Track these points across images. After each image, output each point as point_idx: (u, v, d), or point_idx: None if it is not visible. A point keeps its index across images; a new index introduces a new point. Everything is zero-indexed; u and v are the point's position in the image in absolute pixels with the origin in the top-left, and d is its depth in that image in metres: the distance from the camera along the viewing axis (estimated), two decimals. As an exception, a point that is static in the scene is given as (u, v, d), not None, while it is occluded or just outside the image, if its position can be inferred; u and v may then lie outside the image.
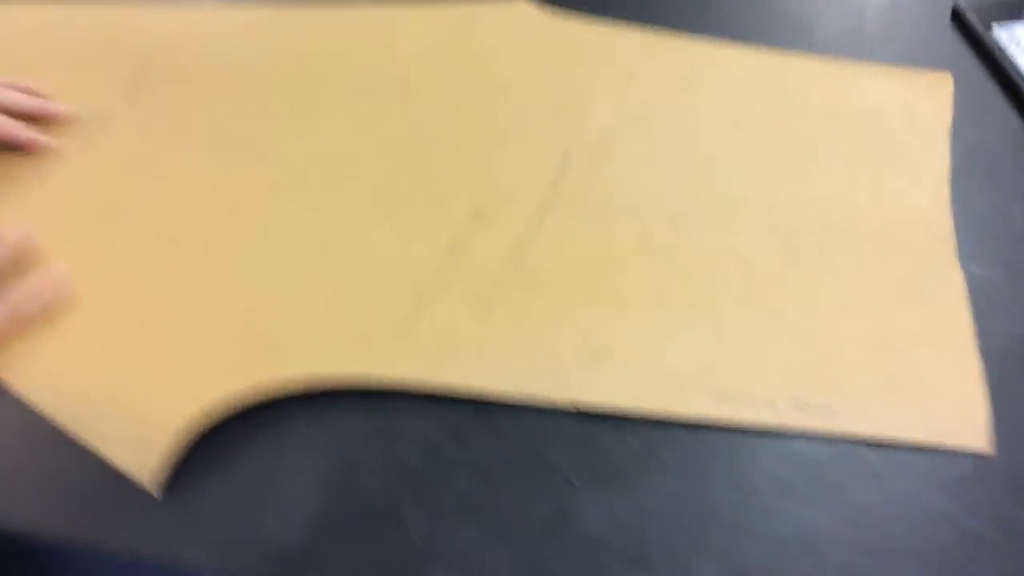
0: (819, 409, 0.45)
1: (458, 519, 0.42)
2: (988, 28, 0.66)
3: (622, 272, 0.51)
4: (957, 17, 0.69)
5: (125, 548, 0.41)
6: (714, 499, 0.42)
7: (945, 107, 0.60)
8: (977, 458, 0.43)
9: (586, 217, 0.54)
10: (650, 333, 0.48)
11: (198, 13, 0.73)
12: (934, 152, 0.57)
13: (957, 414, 0.44)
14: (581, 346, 0.47)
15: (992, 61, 0.64)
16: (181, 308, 0.51)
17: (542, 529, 0.42)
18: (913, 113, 0.60)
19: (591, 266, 0.51)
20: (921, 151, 0.57)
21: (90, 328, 0.50)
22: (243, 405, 0.46)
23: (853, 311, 0.49)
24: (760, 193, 0.55)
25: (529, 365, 0.47)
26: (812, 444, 0.44)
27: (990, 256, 0.52)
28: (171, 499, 0.43)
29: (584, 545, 0.41)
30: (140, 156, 0.60)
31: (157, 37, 0.70)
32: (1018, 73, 0.62)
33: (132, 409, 0.46)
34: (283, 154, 0.60)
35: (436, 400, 0.47)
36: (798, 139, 0.58)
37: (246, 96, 0.65)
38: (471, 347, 0.48)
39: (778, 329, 0.48)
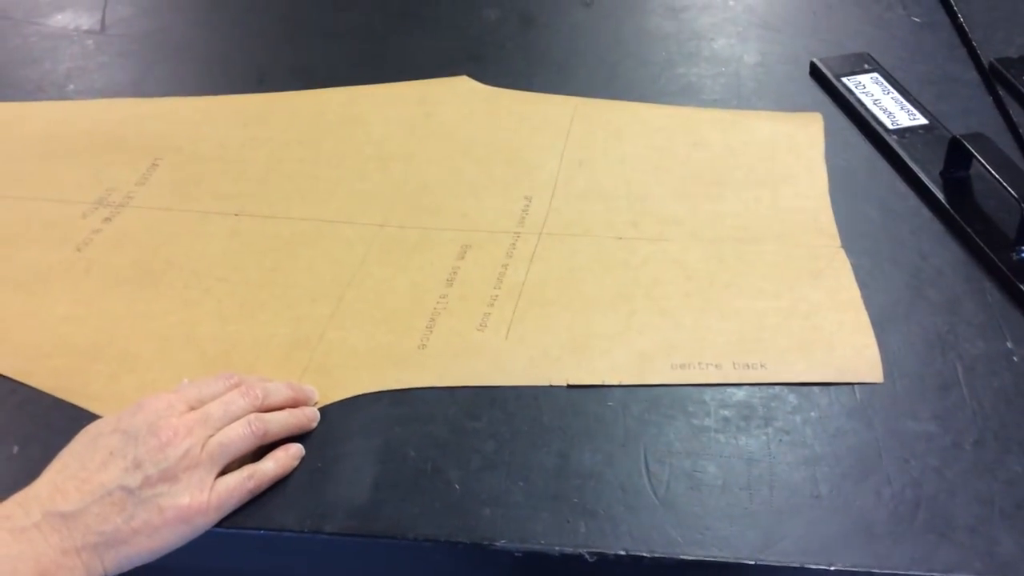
0: (753, 366, 0.59)
1: (485, 471, 0.54)
2: (839, 79, 0.84)
3: (588, 282, 0.65)
4: (815, 71, 0.86)
5: (228, 520, 0.52)
6: (678, 436, 0.56)
7: (818, 138, 0.77)
8: (869, 388, 0.58)
9: (551, 243, 0.68)
10: (620, 326, 0.61)
11: (194, 102, 0.85)
12: (814, 172, 0.73)
13: (854, 357, 0.59)
14: (566, 340, 0.61)
15: (845, 104, 0.81)
16: (233, 346, 0.62)
17: (548, 469, 0.54)
18: (795, 144, 0.76)
19: (562, 279, 0.65)
20: (804, 172, 0.73)
21: (168, 369, 0.60)
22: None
23: (769, 292, 0.63)
24: (686, 213, 0.70)
25: (527, 359, 0.60)
26: (746, 390, 0.58)
27: (860, 250, 0.67)
28: (257, 479, 0.54)
29: (583, 478, 0.54)
30: (162, 227, 0.72)
31: (160, 125, 0.82)
32: (866, 111, 0.79)
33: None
34: (286, 216, 0.72)
35: (451, 389, 0.59)
36: (708, 170, 0.74)
37: (245, 170, 0.77)
38: (478, 352, 0.60)
39: (716, 311, 0.62)
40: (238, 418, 0.53)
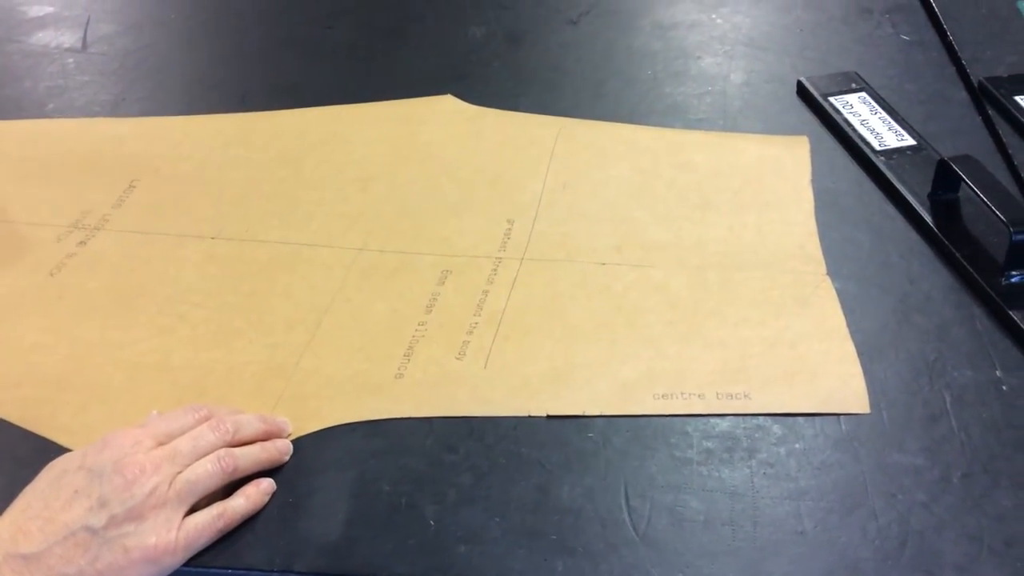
0: (736, 396, 0.57)
1: (461, 506, 0.53)
2: (826, 98, 0.82)
3: (570, 309, 0.63)
4: (802, 90, 0.85)
5: (194, 559, 0.50)
6: (660, 468, 0.54)
7: (805, 162, 0.76)
8: (855, 419, 0.56)
9: (533, 269, 0.66)
10: (601, 355, 0.60)
11: (174, 122, 0.84)
12: (800, 197, 0.72)
13: (840, 387, 0.58)
14: (546, 370, 0.59)
15: (832, 124, 0.80)
16: (208, 373, 0.60)
17: (527, 504, 0.53)
18: (781, 168, 0.75)
19: (543, 307, 0.64)
20: (791, 197, 0.72)
21: (138, 399, 0.59)
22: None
23: (753, 320, 0.62)
24: (670, 238, 0.68)
25: (506, 389, 0.58)
26: (729, 421, 0.57)
27: (846, 274, 0.66)
28: (227, 515, 0.52)
29: (562, 513, 0.52)
30: (138, 250, 0.70)
31: (138, 146, 0.81)
32: (854, 132, 0.78)
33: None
34: (265, 239, 0.71)
35: (428, 420, 0.58)
36: (694, 195, 0.72)
37: (224, 191, 0.76)
38: (457, 381, 0.59)
39: (700, 340, 0.61)
40: (207, 453, 0.52)
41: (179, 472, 0.50)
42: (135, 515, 0.48)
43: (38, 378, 0.60)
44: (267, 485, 0.53)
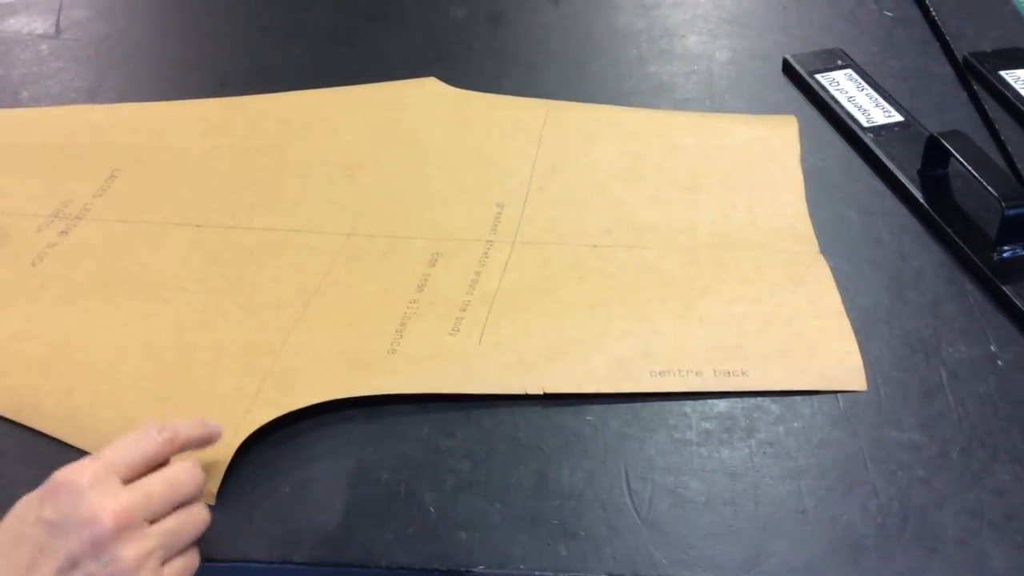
0: (734, 373, 0.57)
1: (461, 492, 0.52)
2: (812, 76, 0.82)
3: (563, 288, 0.63)
4: (788, 68, 0.85)
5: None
6: (659, 450, 0.54)
7: (793, 142, 0.75)
8: (852, 396, 0.56)
9: (525, 252, 0.66)
10: (596, 332, 0.60)
11: (154, 108, 0.83)
12: (790, 177, 0.72)
13: (837, 364, 0.58)
14: (542, 348, 0.59)
15: (819, 101, 0.80)
16: (195, 354, 0.59)
17: (527, 489, 0.52)
18: (770, 148, 0.75)
19: (536, 286, 0.63)
20: (780, 177, 0.72)
21: (124, 380, 0.58)
22: (266, 426, 0.55)
23: (748, 298, 0.62)
24: (661, 220, 0.68)
25: (501, 365, 0.58)
26: (727, 401, 0.56)
27: (838, 252, 0.66)
28: (224, 509, 0.51)
29: (562, 497, 0.52)
30: (121, 239, 0.69)
31: (118, 134, 0.79)
32: (841, 109, 0.78)
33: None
34: (250, 226, 0.70)
35: (424, 405, 0.57)
36: (683, 176, 0.72)
37: (207, 179, 0.74)
38: (451, 357, 0.58)
39: (695, 317, 0.60)
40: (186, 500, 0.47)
41: (160, 530, 0.44)
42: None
43: (21, 366, 0.59)
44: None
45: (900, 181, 0.70)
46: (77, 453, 0.53)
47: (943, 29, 0.88)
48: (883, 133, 0.75)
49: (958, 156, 0.66)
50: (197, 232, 0.69)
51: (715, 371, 0.57)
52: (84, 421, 0.56)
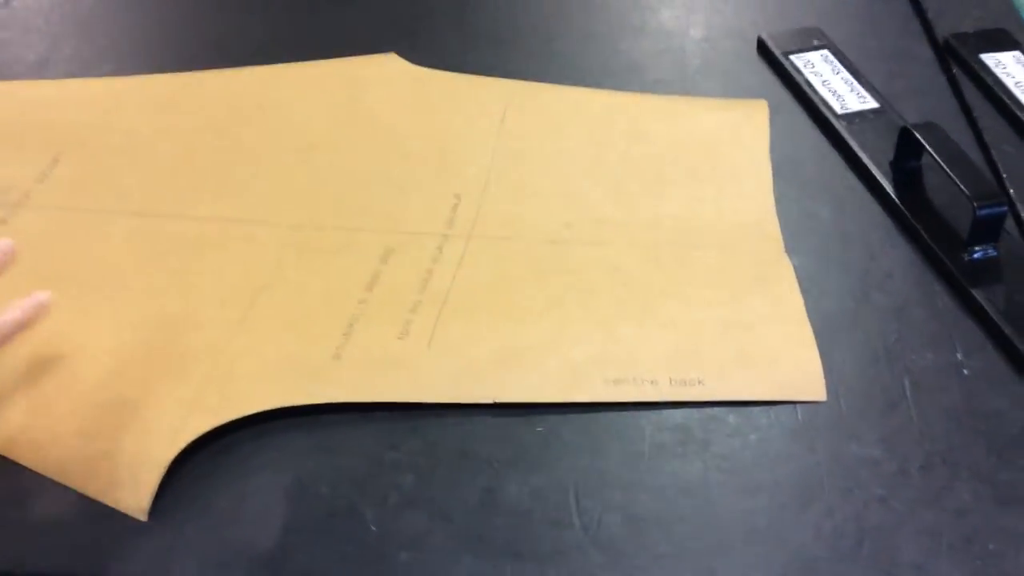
0: (690, 382, 0.55)
1: (404, 509, 0.50)
2: (787, 56, 0.79)
3: (518, 289, 0.60)
4: (762, 47, 0.82)
5: (113, 568, 0.48)
6: (611, 464, 0.52)
7: (763, 129, 0.73)
8: (811, 407, 0.54)
9: (480, 247, 0.63)
10: (550, 336, 0.57)
11: (102, 84, 0.79)
12: (758, 168, 0.69)
13: (796, 373, 0.56)
14: (493, 353, 0.56)
15: (793, 84, 0.77)
16: (131, 357, 0.57)
17: (475, 507, 0.50)
18: (738, 137, 0.72)
19: (490, 286, 0.61)
20: (748, 168, 0.69)
21: (52, 386, 0.55)
22: (203, 435, 0.53)
23: (709, 301, 0.59)
24: (623, 214, 0.65)
25: (451, 372, 0.56)
26: (683, 412, 0.54)
27: (805, 249, 0.64)
28: (155, 526, 0.49)
29: (511, 515, 0.50)
30: (60, 229, 0.66)
31: (64, 114, 0.76)
32: (815, 93, 0.75)
33: (105, 449, 0.52)
34: (195, 216, 0.67)
35: (368, 414, 0.55)
36: (648, 167, 0.69)
37: (154, 164, 0.71)
38: (398, 363, 0.56)
39: (653, 322, 0.58)
40: None
41: None
42: None
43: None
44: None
45: (872, 174, 0.68)
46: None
47: (924, 7, 0.85)
48: (857, 121, 0.72)
49: (931, 150, 0.64)
50: (141, 221, 0.66)
51: (671, 379, 0.55)
52: (8, 427, 0.53)
